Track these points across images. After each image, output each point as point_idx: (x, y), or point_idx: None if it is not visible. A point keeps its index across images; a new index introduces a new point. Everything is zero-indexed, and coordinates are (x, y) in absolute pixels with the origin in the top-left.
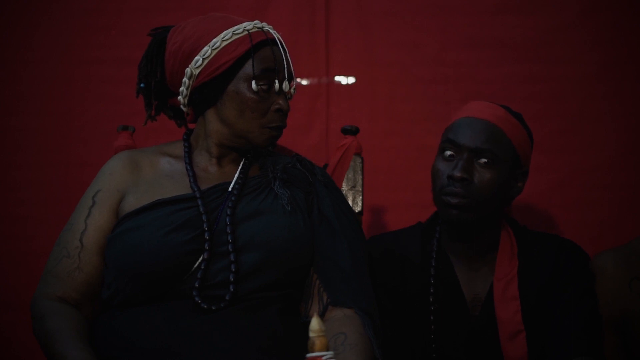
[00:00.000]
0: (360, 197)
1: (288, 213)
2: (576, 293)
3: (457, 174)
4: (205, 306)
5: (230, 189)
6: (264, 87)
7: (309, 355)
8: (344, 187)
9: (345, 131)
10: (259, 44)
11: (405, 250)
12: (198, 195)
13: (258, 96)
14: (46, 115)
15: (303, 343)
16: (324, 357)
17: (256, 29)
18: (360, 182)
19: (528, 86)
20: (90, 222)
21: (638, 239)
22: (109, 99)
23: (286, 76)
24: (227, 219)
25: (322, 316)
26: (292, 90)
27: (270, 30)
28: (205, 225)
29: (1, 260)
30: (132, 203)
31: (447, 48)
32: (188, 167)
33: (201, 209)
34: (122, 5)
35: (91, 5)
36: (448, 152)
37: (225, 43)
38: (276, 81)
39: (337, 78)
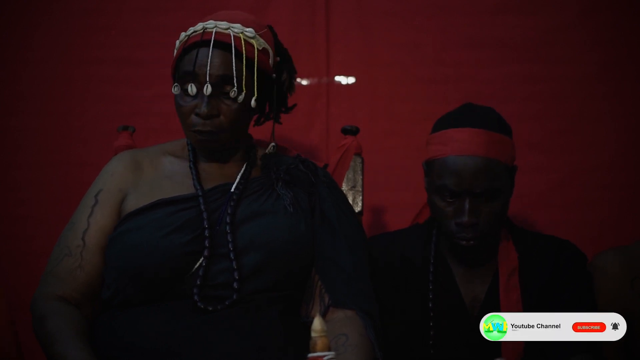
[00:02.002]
0: (360, 197)
1: (289, 214)
2: (576, 293)
3: (466, 219)
4: (205, 307)
5: (232, 190)
6: (184, 90)
7: (310, 355)
8: (344, 187)
9: (345, 131)
10: (192, 45)
11: (404, 251)
12: (200, 194)
13: (181, 99)
14: (46, 115)
15: (304, 344)
16: (325, 358)
17: (202, 30)
18: (360, 182)
19: (528, 86)
20: (93, 221)
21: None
22: (109, 99)
23: (207, 79)
24: (228, 220)
25: (323, 317)
26: (231, 94)
27: (215, 31)
28: (206, 226)
29: (1, 260)
30: (133, 203)
31: (447, 48)
32: (192, 167)
33: (202, 210)
34: (122, 5)
35: (91, 5)
36: (447, 195)
37: (178, 45)
38: (191, 84)
39: (337, 78)
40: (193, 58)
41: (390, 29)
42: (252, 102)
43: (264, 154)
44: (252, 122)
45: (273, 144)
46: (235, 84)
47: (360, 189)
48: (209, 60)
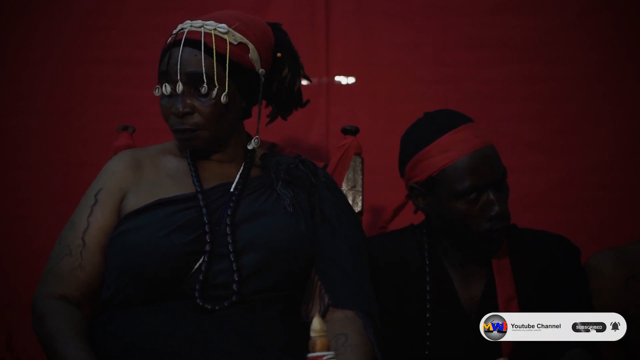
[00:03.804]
0: (360, 197)
1: (289, 214)
2: (572, 287)
3: (498, 209)
4: (206, 306)
5: (232, 190)
6: (162, 90)
7: (310, 355)
8: (344, 187)
9: (345, 131)
10: (168, 47)
11: (402, 252)
12: (199, 190)
13: (162, 99)
14: (46, 115)
15: (304, 344)
16: (325, 357)
17: (181, 30)
18: (360, 182)
19: (528, 86)
20: (93, 221)
21: (635, 242)
22: (109, 99)
23: (179, 78)
24: (228, 220)
25: (322, 317)
26: (202, 91)
27: (187, 30)
28: (206, 226)
29: (1, 260)
30: (134, 202)
31: (447, 48)
32: (191, 166)
33: (203, 210)
34: (122, 5)
35: (91, 5)
36: (473, 195)
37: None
38: (164, 85)
39: (337, 78)
40: (167, 59)
41: (390, 29)
42: (223, 98)
43: (263, 153)
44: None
45: (257, 137)
46: (205, 80)
47: (360, 189)
48: (179, 59)
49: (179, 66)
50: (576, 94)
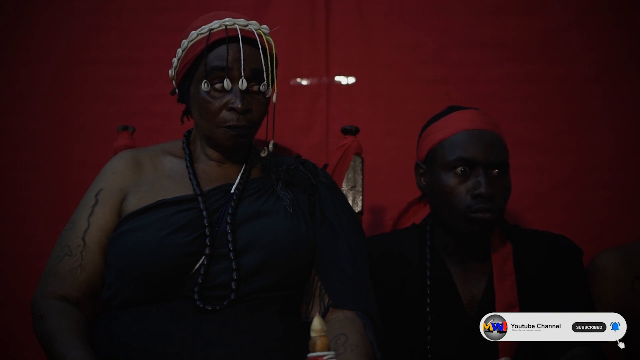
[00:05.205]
0: (360, 197)
1: (289, 215)
2: (573, 287)
3: (484, 190)
4: (206, 307)
5: (232, 191)
6: (215, 86)
7: (310, 355)
8: (344, 187)
9: (345, 131)
10: (216, 42)
11: (402, 251)
12: (199, 193)
13: (209, 95)
14: (46, 115)
15: (304, 344)
16: (325, 357)
17: (223, 27)
18: (360, 182)
19: (528, 86)
20: (93, 221)
21: (638, 242)
22: (108, 99)
23: (242, 74)
24: (228, 219)
25: (323, 317)
26: (261, 88)
27: (239, 28)
28: (207, 228)
29: (1, 260)
30: (134, 203)
31: (447, 48)
32: (189, 168)
33: (203, 211)
34: (122, 5)
35: (91, 5)
36: (461, 169)
37: (190, 44)
38: (226, 79)
39: (337, 78)
40: (224, 54)
41: (390, 29)
42: (274, 97)
43: (262, 153)
44: None
45: (272, 141)
46: (265, 79)
47: (360, 189)
48: (241, 55)
49: (242, 62)
50: (576, 94)
